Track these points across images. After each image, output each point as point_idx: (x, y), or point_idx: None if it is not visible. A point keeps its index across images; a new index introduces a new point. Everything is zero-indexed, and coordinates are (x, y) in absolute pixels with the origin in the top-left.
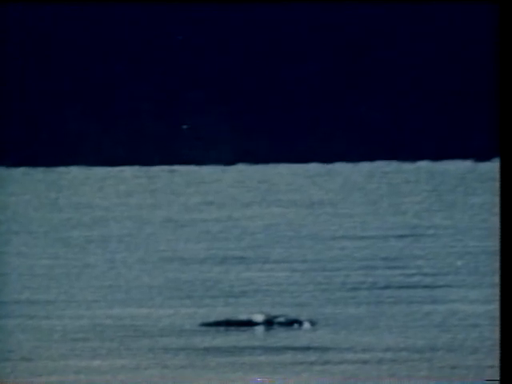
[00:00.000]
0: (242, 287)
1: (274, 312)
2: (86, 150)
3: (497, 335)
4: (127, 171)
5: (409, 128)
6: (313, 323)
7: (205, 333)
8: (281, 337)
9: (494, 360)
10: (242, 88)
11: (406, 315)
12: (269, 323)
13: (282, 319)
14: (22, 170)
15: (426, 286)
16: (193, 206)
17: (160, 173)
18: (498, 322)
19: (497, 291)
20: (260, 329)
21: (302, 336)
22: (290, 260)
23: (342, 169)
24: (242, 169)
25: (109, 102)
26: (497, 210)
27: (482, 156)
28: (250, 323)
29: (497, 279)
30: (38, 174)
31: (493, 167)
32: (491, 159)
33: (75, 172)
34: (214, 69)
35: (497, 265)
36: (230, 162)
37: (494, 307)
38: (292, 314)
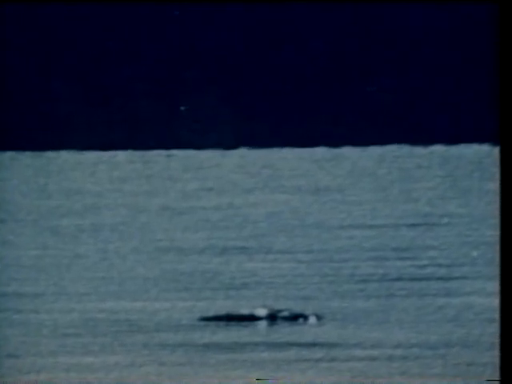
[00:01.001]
0: (244, 279)
1: (278, 306)
2: (77, 134)
3: None
4: (121, 156)
5: (422, 109)
6: (319, 318)
7: (204, 328)
8: (285, 332)
9: None
10: (245, 66)
11: (419, 309)
12: (272, 318)
13: (286, 313)
14: (9, 154)
15: (439, 278)
16: (191, 192)
17: (156, 157)
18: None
19: None
20: (263, 324)
21: (308, 331)
22: (294, 250)
23: (351, 153)
24: (243, 153)
25: (101, 81)
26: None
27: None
28: (251, 318)
29: None
30: (26, 158)
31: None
32: None
33: (65, 156)
34: (213, 45)
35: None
36: (230, 145)
37: None
38: (297, 307)
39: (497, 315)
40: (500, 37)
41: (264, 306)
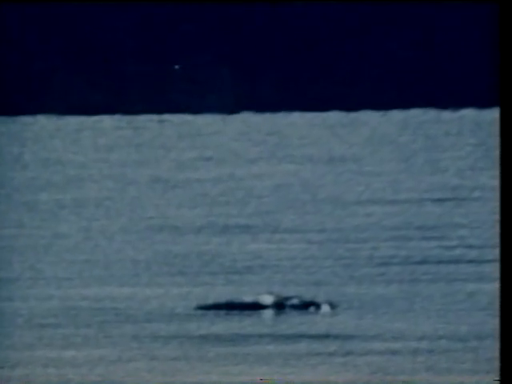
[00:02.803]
0: (247, 262)
1: (286, 292)
2: (56, 96)
3: None
4: (107, 121)
5: (449, 68)
6: (332, 306)
7: (201, 317)
8: (293, 322)
9: None
10: (247, 18)
11: (446, 296)
12: (279, 306)
13: (295, 301)
14: None
15: (470, 261)
16: (187, 162)
17: (147, 123)
18: None
19: None
20: (268, 313)
21: (320, 321)
22: (304, 229)
23: (369, 118)
24: (246, 118)
25: (84, 35)
26: None
27: None
28: (256, 306)
29: None
30: None
31: None
32: None
33: (43, 122)
34: None
35: None
36: (231, 109)
37: None
38: (307, 294)
39: None
40: (500, 37)
41: (270, 293)
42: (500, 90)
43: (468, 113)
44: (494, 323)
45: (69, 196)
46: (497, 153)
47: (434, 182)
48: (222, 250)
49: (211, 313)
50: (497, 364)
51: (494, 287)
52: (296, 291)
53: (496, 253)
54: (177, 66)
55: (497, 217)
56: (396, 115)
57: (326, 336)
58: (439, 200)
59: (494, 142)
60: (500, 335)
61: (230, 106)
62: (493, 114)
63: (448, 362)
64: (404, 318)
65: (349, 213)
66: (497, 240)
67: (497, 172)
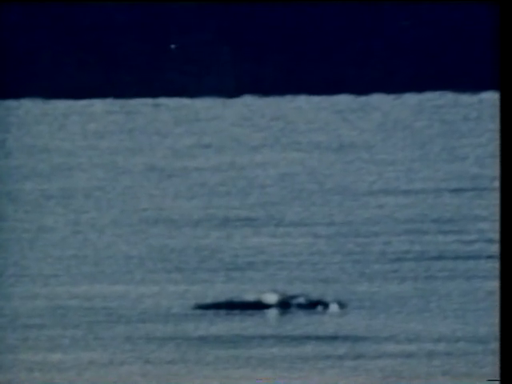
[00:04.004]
0: (249, 257)
1: (291, 290)
2: (43, 78)
3: None
4: (97, 105)
5: (469, 47)
6: (342, 305)
7: (200, 317)
8: (300, 323)
9: None
10: None
11: (465, 294)
12: (284, 305)
13: (301, 300)
14: None
15: (490, 256)
16: (184, 150)
17: (141, 107)
18: None
19: None
20: (272, 312)
21: (328, 322)
22: (311, 222)
23: (381, 102)
24: (248, 102)
25: (72, 12)
26: None
27: None
28: (259, 305)
29: None
30: None
31: None
32: None
33: (28, 106)
34: None
35: None
36: (232, 92)
37: None
38: (314, 292)
39: None
40: (500, 37)
41: (274, 291)
42: (500, 75)
43: (488, 96)
44: None
45: (56, 186)
46: None
47: (452, 171)
48: (221, 244)
49: (210, 312)
50: None
51: None
52: (302, 289)
53: None
54: (173, 45)
55: None
56: (410, 99)
57: (335, 337)
58: (457, 190)
59: None
60: (500, 337)
61: (230, 88)
62: None
63: (467, 366)
64: (419, 317)
65: (359, 204)
66: None
67: None
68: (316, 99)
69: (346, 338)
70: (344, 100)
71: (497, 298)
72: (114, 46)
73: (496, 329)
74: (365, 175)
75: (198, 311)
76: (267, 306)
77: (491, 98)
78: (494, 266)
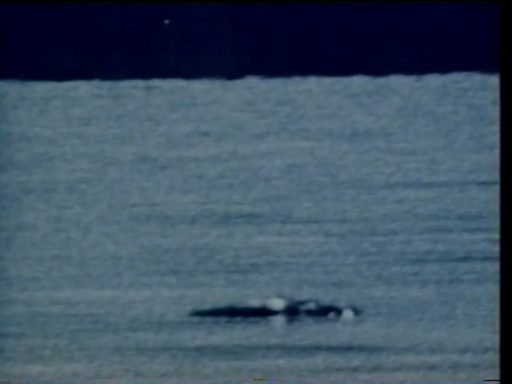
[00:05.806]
0: (253, 258)
1: (300, 295)
2: (22, 57)
3: None
4: (82, 88)
5: (495, 23)
6: (356, 311)
7: (197, 325)
8: (309, 331)
9: None
10: None
11: (493, 299)
12: (292, 312)
13: (310, 306)
14: None
15: None
16: (179, 138)
17: (131, 90)
18: None
19: None
20: (279, 320)
21: (341, 330)
22: (322, 219)
23: (400, 84)
24: (251, 84)
25: None
26: None
27: None
28: (263, 312)
29: None
30: None
31: None
32: None
33: (5, 89)
34: None
35: None
36: (234, 74)
37: None
38: (326, 298)
39: None
40: (500, 37)
41: (280, 296)
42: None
43: None
44: None
45: (36, 178)
46: None
47: (479, 162)
48: (222, 243)
49: (209, 320)
50: None
51: None
52: (312, 294)
53: None
54: (167, 21)
55: None
56: (433, 80)
57: (349, 348)
58: (485, 183)
59: None
60: (500, 337)
61: (231, 69)
62: None
63: (495, 378)
64: (443, 325)
65: (376, 199)
66: None
67: None
68: (327, 81)
69: (360, 349)
70: (359, 82)
71: None
72: (101, 21)
73: None
74: (382, 166)
75: (196, 318)
76: (273, 313)
77: None
78: None
